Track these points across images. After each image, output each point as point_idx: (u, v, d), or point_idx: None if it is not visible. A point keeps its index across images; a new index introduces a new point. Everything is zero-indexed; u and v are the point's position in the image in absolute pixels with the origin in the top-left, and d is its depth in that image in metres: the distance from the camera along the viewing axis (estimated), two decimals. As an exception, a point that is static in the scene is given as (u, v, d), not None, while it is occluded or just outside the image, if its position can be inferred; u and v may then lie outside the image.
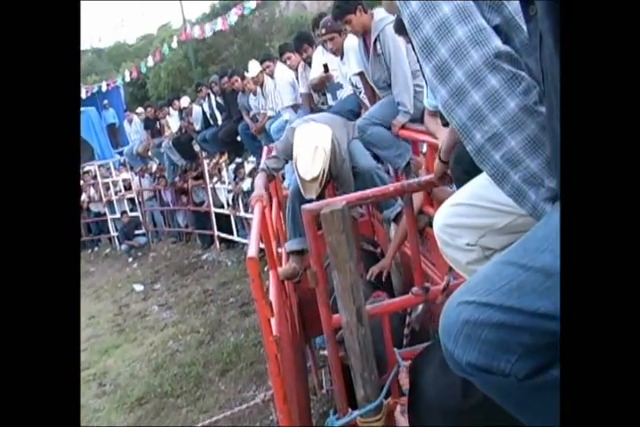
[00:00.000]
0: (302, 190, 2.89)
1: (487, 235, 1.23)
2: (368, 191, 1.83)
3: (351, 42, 3.77)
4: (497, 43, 0.92)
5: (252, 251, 1.72)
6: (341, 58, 4.05)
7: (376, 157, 4.02)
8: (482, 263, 1.20)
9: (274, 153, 3.27)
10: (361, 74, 3.67)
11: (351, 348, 1.58)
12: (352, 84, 4.06)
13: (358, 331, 1.55)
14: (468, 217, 1.26)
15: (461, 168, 1.49)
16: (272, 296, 2.13)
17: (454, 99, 0.93)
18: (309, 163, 2.84)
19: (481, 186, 1.25)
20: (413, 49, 1.05)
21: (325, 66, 4.49)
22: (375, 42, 3.29)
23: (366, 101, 3.88)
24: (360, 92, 3.95)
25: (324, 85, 4.62)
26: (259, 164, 4.51)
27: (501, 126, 0.91)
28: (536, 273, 0.76)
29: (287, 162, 3.25)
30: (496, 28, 0.96)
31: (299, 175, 2.86)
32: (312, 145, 2.91)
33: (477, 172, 1.26)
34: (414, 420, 1.39)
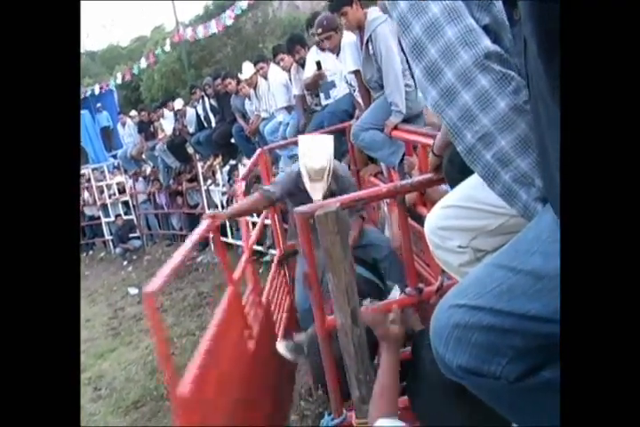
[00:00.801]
0: (309, 190, 2.86)
1: (479, 237, 1.23)
2: (362, 192, 1.83)
3: (348, 39, 3.78)
4: (486, 43, 0.92)
5: (153, 286, 1.53)
6: (337, 55, 4.05)
7: (371, 158, 4.04)
8: (474, 265, 1.20)
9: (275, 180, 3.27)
10: (356, 72, 3.68)
11: (346, 349, 1.58)
12: (347, 82, 4.06)
13: (353, 332, 1.55)
14: (460, 219, 1.25)
15: (455, 168, 1.49)
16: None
17: (445, 99, 0.93)
18: (317, 153, 2.84)
19: (472, 188, 1.25)
20: (402, 50, 1.05)
21: (318, 63, 4.49)
22: (367, 42, 3.29)
23: (360, 100, 3.89)
24: (355, 90, 3.95)
25: (318, 84, 4.62)
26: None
27: (492, 126, 0.91)
28: (526, 276, 0.76)
29: (282, 194, 3.05)
30: (485, 28, 0.96)
31: (306, 169, 2.83)
32: (318, 142, 2.94)
33: (471, 171, 1.26)
34: (414, 400, 1.38)
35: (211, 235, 3.55)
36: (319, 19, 3.96)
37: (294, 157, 4.54)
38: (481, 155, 0.93)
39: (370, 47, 3.29)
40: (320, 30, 3.88)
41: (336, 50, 3.99)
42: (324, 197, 2.84)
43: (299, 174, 2.95)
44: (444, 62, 0.92)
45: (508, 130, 0.90)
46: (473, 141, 0.93)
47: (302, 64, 4.88)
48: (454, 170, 1.48)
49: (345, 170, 3.14)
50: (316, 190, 2.80)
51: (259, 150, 4.39)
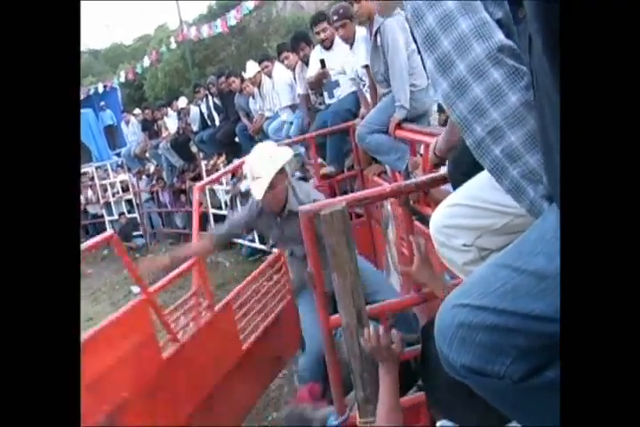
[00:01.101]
0: (251, 188, 2.86)
1: (484, 236, 1.23)
2: (365, 192, 1.82)
3: (362, 33, 3.80)
4: (500, 37, 0.91)
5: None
6: (351, 47, 4.06)
7: (374, 158, 4.04)
8: (478, 264, 1.20)
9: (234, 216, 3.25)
10: (368, 67, 3.68)
11: (351, 349, 1.57)
12: (358, 77, 4.06)
13: (359, 333, 1.54)
14: (465, 218, 1.25)
15: (459, 170, 1.49)
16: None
17: (455, 92, 0.92)
18: (260, 156, 2.85)
19: (478, 187, 1.25)
20: (415, 43, 1.04)
21: (322, 61, 4.49)
22: (376, 34, 3.30)
23: (368, 95, 3.89)
24: (364, 85, 3.95)
25: (322, 83, 4.62)
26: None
27: (502, 121, 0.90)
28: (530, 276, 0.76)
29: (232, 228, 3.11)
30: (498, 22, 0.95)
31: (248, 168, 2.83)
32: (270, 149, 2.94)
33: (475, 173, 1.26)
34: (429, 397, 1.39)
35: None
36: (335, 7, 4.04)
37: (298, 156, 4.54)
38: (490, 149, 0.92)
39: (378, 39, 3.29)
40: (336, 17, 3.92)
41: (350, 40, 4.01)
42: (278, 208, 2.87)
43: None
44: (457, 54, 0.91)
45: (518, 125, 0.89)
46: (482, 135, 0.92)
47: (307, 62, 4.88)
48: (458, 172, 1.48)
49: (307, 190, 3.06)
50: (256, 188, 2.80)
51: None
